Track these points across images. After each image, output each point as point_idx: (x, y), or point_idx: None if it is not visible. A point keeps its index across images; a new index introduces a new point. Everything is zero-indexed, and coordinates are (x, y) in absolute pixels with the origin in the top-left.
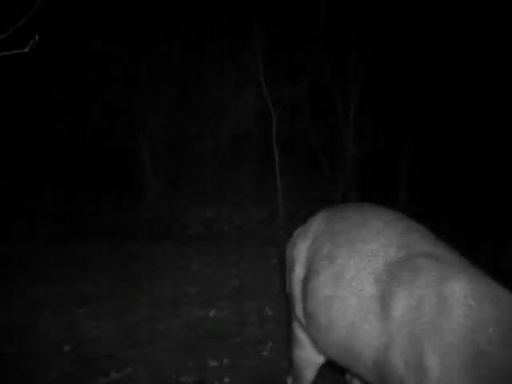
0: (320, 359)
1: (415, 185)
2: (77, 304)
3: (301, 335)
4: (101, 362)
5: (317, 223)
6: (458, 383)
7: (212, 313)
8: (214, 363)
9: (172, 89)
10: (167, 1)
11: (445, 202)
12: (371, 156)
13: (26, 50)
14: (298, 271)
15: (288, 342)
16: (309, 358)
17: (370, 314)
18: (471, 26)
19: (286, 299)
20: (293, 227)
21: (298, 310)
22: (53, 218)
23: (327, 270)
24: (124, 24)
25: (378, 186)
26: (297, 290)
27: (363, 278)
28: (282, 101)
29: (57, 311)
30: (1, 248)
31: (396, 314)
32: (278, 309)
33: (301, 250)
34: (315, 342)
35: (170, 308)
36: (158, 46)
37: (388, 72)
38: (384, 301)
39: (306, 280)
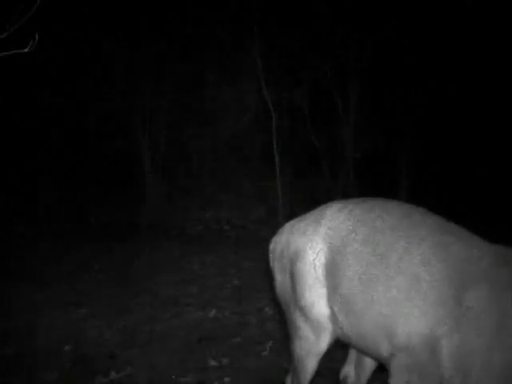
0: (322, 348)
1: (415, 184)
2: (77, 304)
3: (302, 324)
4: (101, 362)
5: (332, 212)
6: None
7: (212, 313)
8: (213, 363)
9: (172, 89)
10: (167, 1)
11: (444, 201)
12: (371, 156)
13: (26, 50)
14: (313, 258)
15: (287, 336)
16: (311, 347)
17: (415, 293)
18: (470, 26)
19: (279, 291)
20: None
21: (306, 298)
22: (53, 217)
23: (369, 253)
24: (124, 24)
25: (377, 185)
26: (310, 277)
27: (411, 259)
28: (282, 101)
29: (57, 311)
30: (1, 248)
31: (443, 301)
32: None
33: (313, 239)
34: (343, 328)
35: (170, 308)
36: (159, 47)
37: (388, 72)
38: (431, 283)
39: (338, 265)
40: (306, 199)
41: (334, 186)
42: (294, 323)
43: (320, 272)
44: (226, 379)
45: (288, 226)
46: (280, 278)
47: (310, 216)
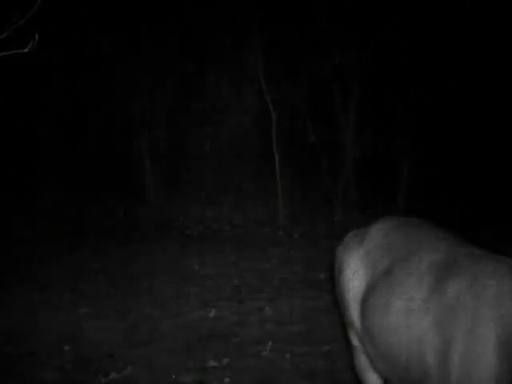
0: None
1: (415, 184)
2: (77, 304)
3: (352, 336)
4: (101, 362)
5: (373, 233)
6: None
7: (212, 313)
8: (214, 363)
9: (172, 89)
10: (167, 1)
11: (445, 201)
12: (371, 156)
13: (26, 50)
14: (350, 277)
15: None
16: (364, 360)
17: (412, 313)
18: (470, 26)
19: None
20: (293, 227)
21: (347, 316)
22: (53, 218)
23: (383, 284)
24: (124, 25)
25: (378, 185)
26: (347, 296)
27: (408, 282)
28: (282, 101)
29: (57, 311)
30: (1, 248)
31: (433, 308)
32: (278, 309)
33: (353, 256)
34: (370, 357)
35: (170, 308)
36: (158, 46)
37: (388, 72)
38: (425, 299)
39: (366, 297)
40: (306, 199)
41: (333, 186)
42: (349, 334)
43: (351, 295)
44: (226, 379)
45: (348, 236)
46: (337, 284)
47: (360, 232)
